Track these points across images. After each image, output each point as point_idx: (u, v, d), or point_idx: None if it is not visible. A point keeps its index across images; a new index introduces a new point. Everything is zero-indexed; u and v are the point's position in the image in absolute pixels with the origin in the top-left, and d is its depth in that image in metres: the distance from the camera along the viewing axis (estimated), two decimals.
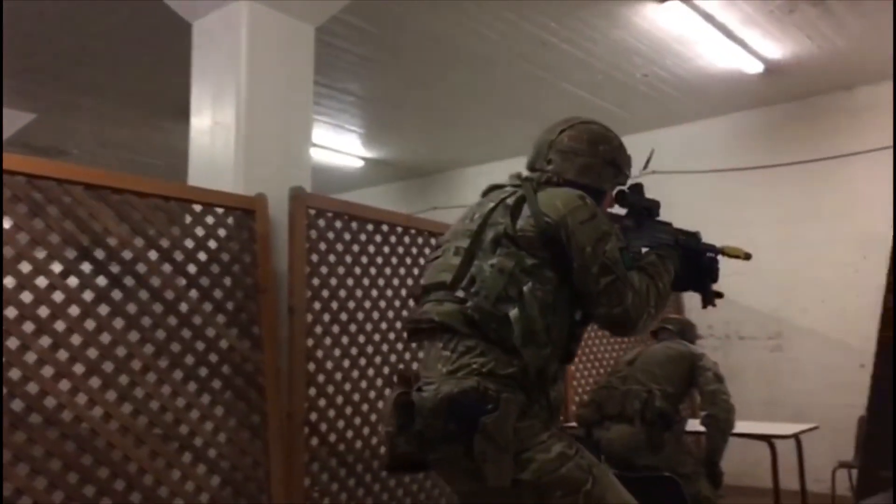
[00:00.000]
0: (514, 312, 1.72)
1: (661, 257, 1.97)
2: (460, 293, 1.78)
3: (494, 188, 1.99)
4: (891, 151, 5.36)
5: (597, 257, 1.77)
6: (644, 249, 2.00)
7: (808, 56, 5.44)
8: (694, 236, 2.14)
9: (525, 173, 2.03)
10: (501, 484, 1.65)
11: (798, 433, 3.98)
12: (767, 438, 3.78)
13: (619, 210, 2.07)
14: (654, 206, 2.10)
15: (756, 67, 5.59)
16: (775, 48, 5.32)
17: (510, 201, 1.86)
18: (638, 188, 2.10)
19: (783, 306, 6.12)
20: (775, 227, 6.11)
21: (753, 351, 6.34)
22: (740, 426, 3.60)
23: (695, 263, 2.11)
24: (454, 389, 1.67)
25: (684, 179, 6.78)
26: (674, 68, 5.71)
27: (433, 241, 3.89)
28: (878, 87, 5.86)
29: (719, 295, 2.16)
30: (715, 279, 2.16)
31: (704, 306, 2.17)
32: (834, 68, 5.65)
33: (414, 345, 3.76)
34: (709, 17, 4.85)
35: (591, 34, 5.12)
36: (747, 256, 2.18)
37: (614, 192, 2.05)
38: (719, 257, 2.17)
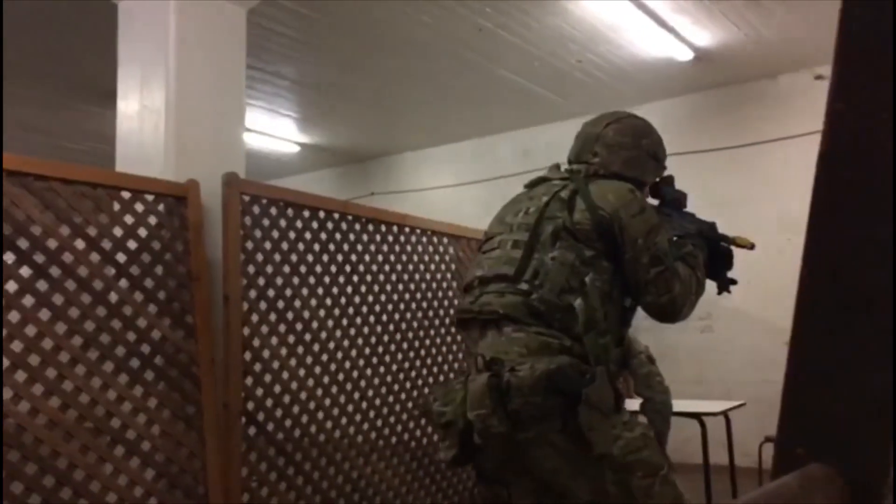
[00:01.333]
0: (578, 302, 1.81)
1: (696, 247, 2.09)
2: (524, 285, 1.86)
3: (541, 181, 2.09)
4: (812, 137, 5.56)
5: (648, 248, 1.89)
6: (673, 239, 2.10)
7: (735, 44, 5.59)
8: (712, 227, 2.24)
9: (564, 165, 2.15)
10: (607, 450, 1.73)
11: (727, 410, 4.12)
12: (698, 416, 3.90)
13: (651, 201, 2.16)
14: (682, 198, 2.23)
15: (686, 55, 5.72)
16: (704, 36, 5.45)
17: (564, 195, 1.96)
18: (669, 180, 2.23)
19: (713, 288, 6.29)
20: (704, 211, 6.17)
21: (685, 332, 6.50)
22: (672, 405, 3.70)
23: (713, 252, 2.21)
24: (551, 366, 1.74)
25: None
26: (607, 55, 5.79)
27: (371, 227, 3.87)
28: (800, 76, 6.07)
29: (733, 282, 2.25)
30: (730, 267, 2.27)
31: (720, 293, 2.26)
32: (759, 56, 5.83)
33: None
34: (640, 5, 4.93)
35: (526, 20, 5.15)
36: (752, 246, 2.26)
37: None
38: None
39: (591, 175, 2.04)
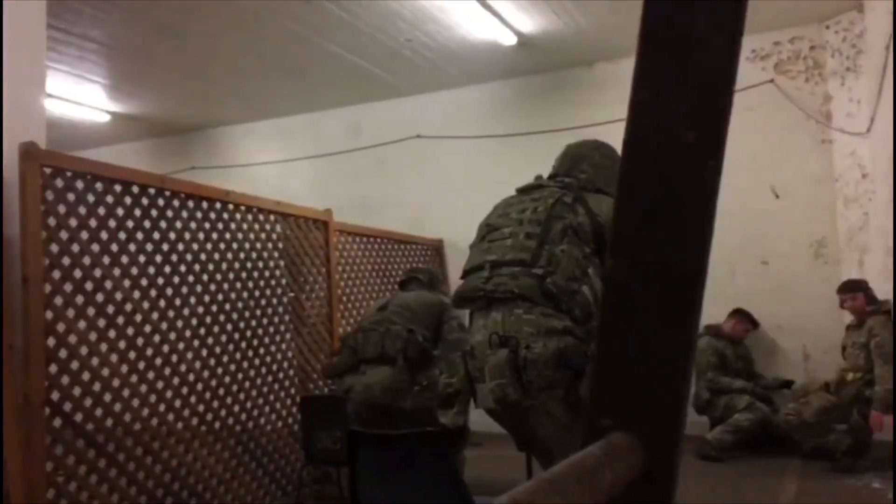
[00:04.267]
0: (586, 289, 2.21)
1: None
2: (538, 270, 2.22)
3: (536, 187, 2.54)
4: (621, 124, 5.94)
5: None
6: None
7: (555, 32, 5.84)
8: None
9: (546, 176, 2.67)
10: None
11: None
12: None
13: None
14: None
15: (510, 39, 5.91)
16: (527, 22, 5.65)
17: (567, 200, 2.38)
18: None
19: None
20: None
21: None
22: None
23: None
24: (561, 345, 2.14)
25: (447, 144, 7.03)
26: (436, 35, 5.85)
27: (191, 203, 3.69)
28: (614, 65, 6.45)
29: None
30: None
31: None
32: (576, 45, 6.13)
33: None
34: None
35: None
36: None
37: None
38: None
39: (581, 188, 2.45)
